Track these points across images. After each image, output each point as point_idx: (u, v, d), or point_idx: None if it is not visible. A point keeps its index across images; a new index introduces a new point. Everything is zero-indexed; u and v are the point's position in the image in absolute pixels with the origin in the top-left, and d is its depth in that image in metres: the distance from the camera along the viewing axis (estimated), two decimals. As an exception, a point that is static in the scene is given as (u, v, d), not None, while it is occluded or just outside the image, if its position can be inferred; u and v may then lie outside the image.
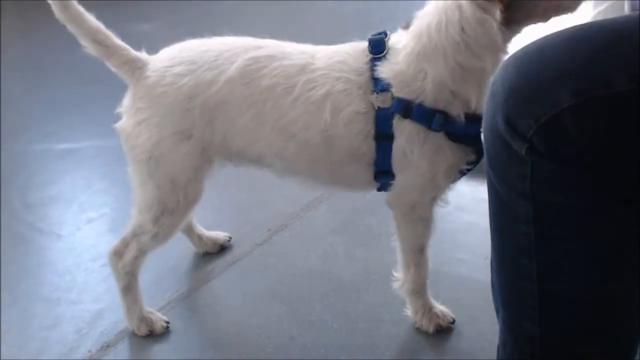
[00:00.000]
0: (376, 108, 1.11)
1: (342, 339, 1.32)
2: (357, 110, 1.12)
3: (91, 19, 1.18)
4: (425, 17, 1.11)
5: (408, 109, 1.10)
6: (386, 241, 1.58)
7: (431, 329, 1.31)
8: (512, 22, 1.06)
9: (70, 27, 1.18)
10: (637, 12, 0.78)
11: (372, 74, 1.12)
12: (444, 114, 1.10)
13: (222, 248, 1.60)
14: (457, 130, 1.11)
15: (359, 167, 1.18)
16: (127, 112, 1.22)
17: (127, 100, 1.23)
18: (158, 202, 1.22)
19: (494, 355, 1.05)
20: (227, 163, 1.26)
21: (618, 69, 0.72)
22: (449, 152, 1.13)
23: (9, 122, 2.33)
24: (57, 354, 1.30)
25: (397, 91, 1.10)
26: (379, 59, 1.13)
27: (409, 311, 1.33)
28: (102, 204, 1.83)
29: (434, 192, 1.20)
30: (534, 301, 0.88)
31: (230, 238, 1.62)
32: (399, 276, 1.31)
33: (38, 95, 2.62)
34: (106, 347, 1.31)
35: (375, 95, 1.11)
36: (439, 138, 1.12)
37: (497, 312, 0.99)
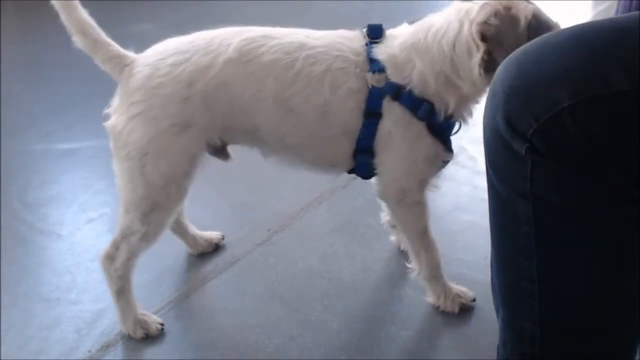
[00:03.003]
0: (370, 86, 1.17)
1: (342, 339, 1.32)
2: (352, 87, 1.17)
3: (83, 11, 1.19)
4: (435, 17, 1.19)
5: (399, 91, 1.17)
6: (386, 241, 1.59)
7: (456, 309, 1.35)
8: (488, 72, 1.10)
9: (62, 16, 1.18)
10: (634, 12, 0.78)
11: (368, 56, 1.18)
12: (431, 105, 1.17)
13: (216, 247, 1.60)
14: (437, 124, 1.19)
15: (346, 144, 1.22)
16: (118, 109, 1.20)
17: (117, 98, 1.22)
18: (146, 199, 1.21)
19: (494, 355, 1.05)
20: (220, 143, 1.26)
21: (618, 68, 0.72)
22: (429, 142, 1.20)
23: (9, 122, 2.33)
24: (57, 354, 1.30)
25: (391, 74, 1.17)
26: (375, 43, 1.20)
27: (429, 297, 1.37)
28: (102, 204, 1.83)
29: (419, 175, 1.24)
30: (534, 301, 0.88)
31: (224, 237, 1.62)
32: (413, 266, 1.35)
33: (38, 95, 2.62)
34: (106, 347, 1.31)
35: (371, 74, 1.17)
36: (421, 127, 1.18)
37: (497, 311, 1.00)
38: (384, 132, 1.19)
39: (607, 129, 0.73)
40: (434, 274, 1.34)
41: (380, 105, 1.17)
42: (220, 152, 1.30)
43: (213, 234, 1.61)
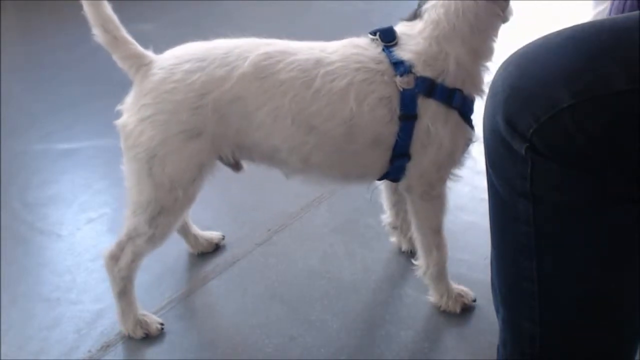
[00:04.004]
0: (401, 90, 1.16)
1: (342, 339, 1.32)
2: (381, 96, 1.16)
3: (108, 7, 1.18)
4: (439, 6, 1.19)
5: (432, 87, 1.16)
6: (386, 241, 1.59)
7: (458, 309, 1.36)
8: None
9: (87, 11, 1.17)
10: (634, 12, 0.78)
11: (391, 60, 1.17)
12: (461, 92, 1.18)
13: (217, 247, 1.60)
14: (468, 108, 1.20)
15: (378, 153, 1.21)
16: (130, 109, 1.20)
17: (130, 97, 1.21)
18: (154, 202, 1.21)
19: (494, 355, 1.05)
20: (233, 160, 1.26)
21: (618, 68, 0.72)
22: (466, 128, 1.21)
23: (9, 122, 2.33)
24: (57, 354, 1.30)
25: (421, 70, 1.16)
26: (392, 46, 1.19)
27: (432, 297, 1.38)
28: (102, 204, 1.83)
29: (452, 166, 1.25)
30: (534, 301, 0.88)
31: (224, 237, 1.62)
32: (421, 263, 1.35)
33: (38, 95, 2.62)
34: (106, 347, 1.32)
35: (400, 77, 1.15)
36: (457, 116, 1.19)
37: (497, 311, 1.00)
38: (422, 132, 1.18)
39: (607, 129, 0.73)
40: (441, 273, 1.34)
41: (415, 106, 1.16)
42: (234, 164, 1.30)
43: (213, 234, 1.61)
